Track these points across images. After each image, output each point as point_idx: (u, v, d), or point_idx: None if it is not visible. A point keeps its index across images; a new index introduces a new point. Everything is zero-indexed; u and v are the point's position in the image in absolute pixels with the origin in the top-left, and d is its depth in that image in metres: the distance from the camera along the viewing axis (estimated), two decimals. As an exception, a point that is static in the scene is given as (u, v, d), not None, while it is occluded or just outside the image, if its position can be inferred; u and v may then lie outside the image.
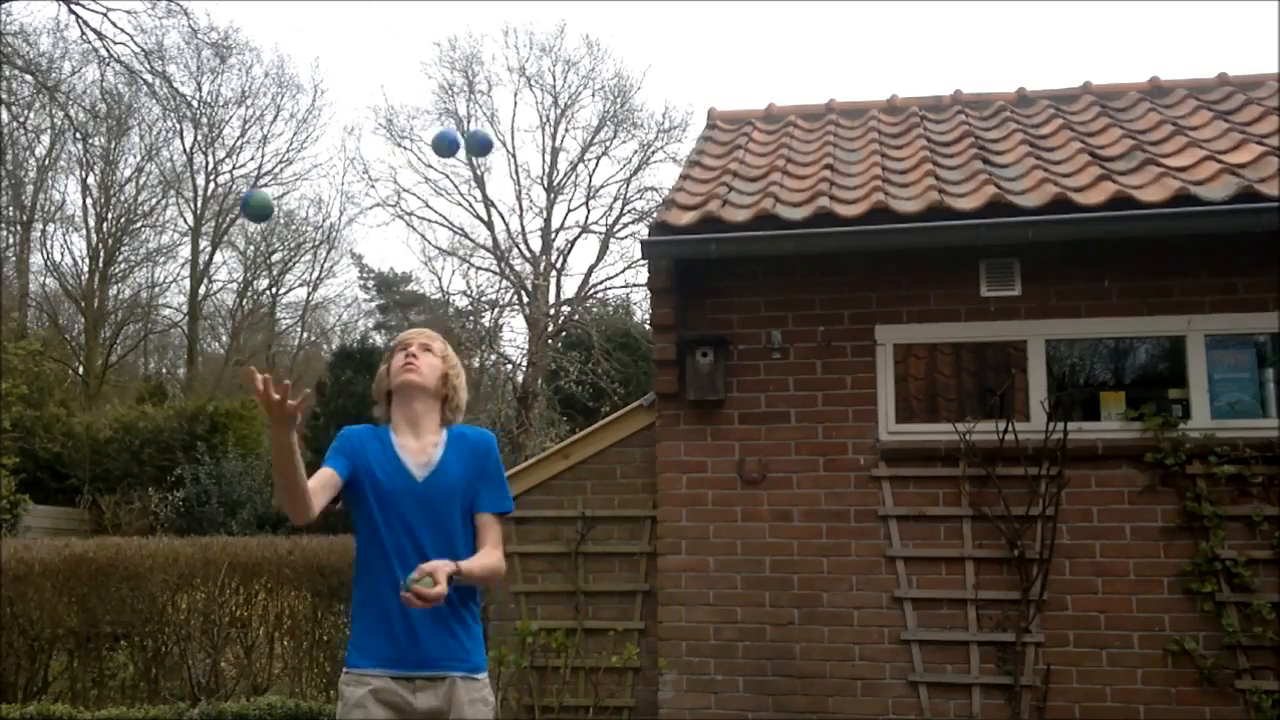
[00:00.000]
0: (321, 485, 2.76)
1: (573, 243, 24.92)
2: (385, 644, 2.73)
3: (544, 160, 25.07)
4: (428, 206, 26.64)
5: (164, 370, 29.97)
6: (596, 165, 25.45)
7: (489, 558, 2.80)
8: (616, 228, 24.27)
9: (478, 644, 2.83)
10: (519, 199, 25.13)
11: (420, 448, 2.86)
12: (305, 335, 31.39)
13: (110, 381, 25.26)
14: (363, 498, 2.82)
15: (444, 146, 2.98)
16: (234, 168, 27.85)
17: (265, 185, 27.94)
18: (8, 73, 19.66)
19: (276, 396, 2.44)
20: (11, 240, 25.77)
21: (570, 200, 24.94)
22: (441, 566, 2.59)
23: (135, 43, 18.99)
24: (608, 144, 24.83)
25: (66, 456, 17.29)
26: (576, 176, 24.98)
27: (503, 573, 2.89)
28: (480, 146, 3.00)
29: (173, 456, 16.77)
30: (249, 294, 29.24)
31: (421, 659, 2.72)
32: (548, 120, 25.08)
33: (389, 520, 2.78)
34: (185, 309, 27.46)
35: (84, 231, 26.36)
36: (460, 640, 2.77)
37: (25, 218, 25.44)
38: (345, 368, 19.38)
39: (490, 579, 2.85)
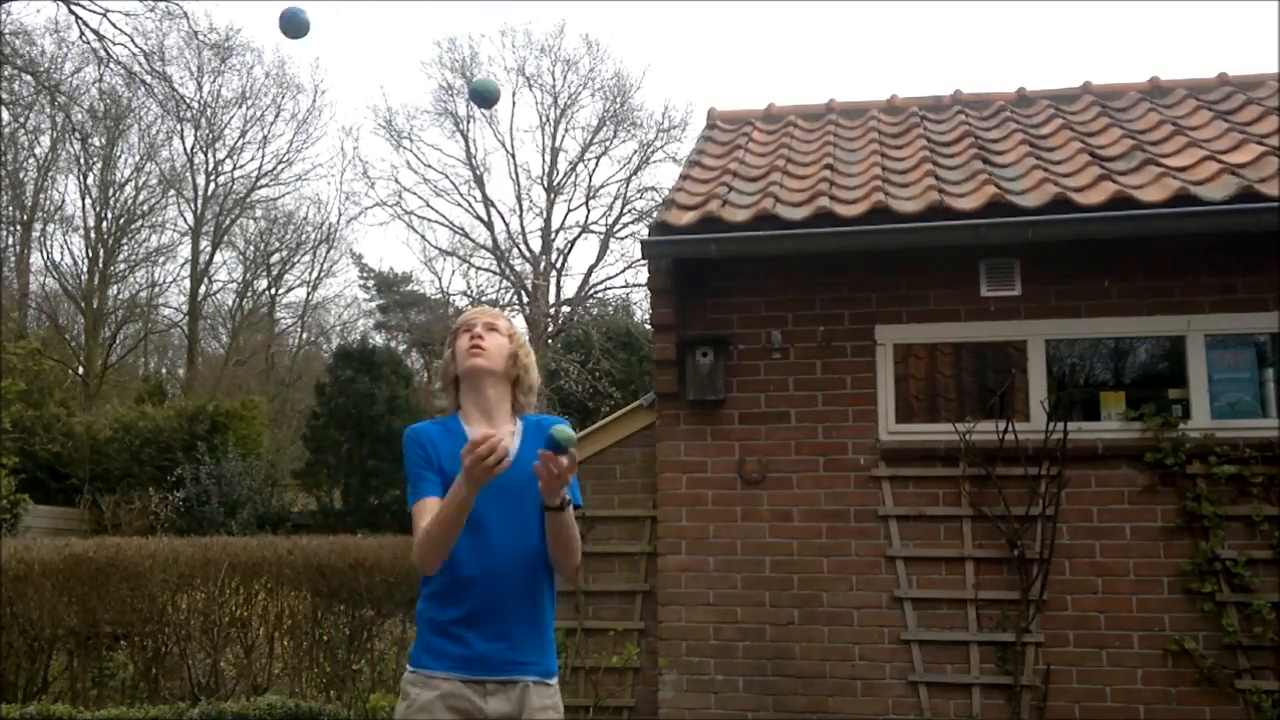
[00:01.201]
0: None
1: (573, 243, 24.99)
2: (456, 646, 2.55)
3: (544, 160, 25.14)
4: (428, 206, 26.73)
5: (164, 370, 29.98)
6: (596, 165, 25.52)
7: (578, 529, 2.64)
8: (616, 228, 24.31)
9: (551, 647, 2.66)
10: (519, 199, 25.20)
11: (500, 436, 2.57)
12: (305, 335, 31.40)
13: (110, 381, 25.27)
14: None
15: (292, 25, 2.62)
16: (234, 168, 27.89)
17: (264, 185, 27.96)
18: (8, 73, 19.66)
19: (491, 460, 2.33)
20: (11, 240, 25.77)
21: (570, 200, 25.00)
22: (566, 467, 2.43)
23: (135, 44, 18.99)
24: (608, 144, 24.89)
25: (66, 456, 17.29)
26: (576, 176, 25.04)
27: (579, 555, 2.68)
28: (482, 97, 2.72)
29: (173, 456, 16.77)
30: (249, 294, 29.25)
31: (495, 661, 2.54)
32: (547, 120, 25.13)
33: (478, 516, 2.55)
34: (185, 309, 27.47)
35: (83, 231, 26.38)
36: (534, 642, 2.59)
37: (25, 218, 25.44)
38: (345, 367, 19.38)
39: (574, 549, 2.63)
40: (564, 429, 2.38)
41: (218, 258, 28.62)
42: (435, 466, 2.62)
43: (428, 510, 2.57)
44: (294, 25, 2.62)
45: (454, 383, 2.76)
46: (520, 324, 24.42)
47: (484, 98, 2.74)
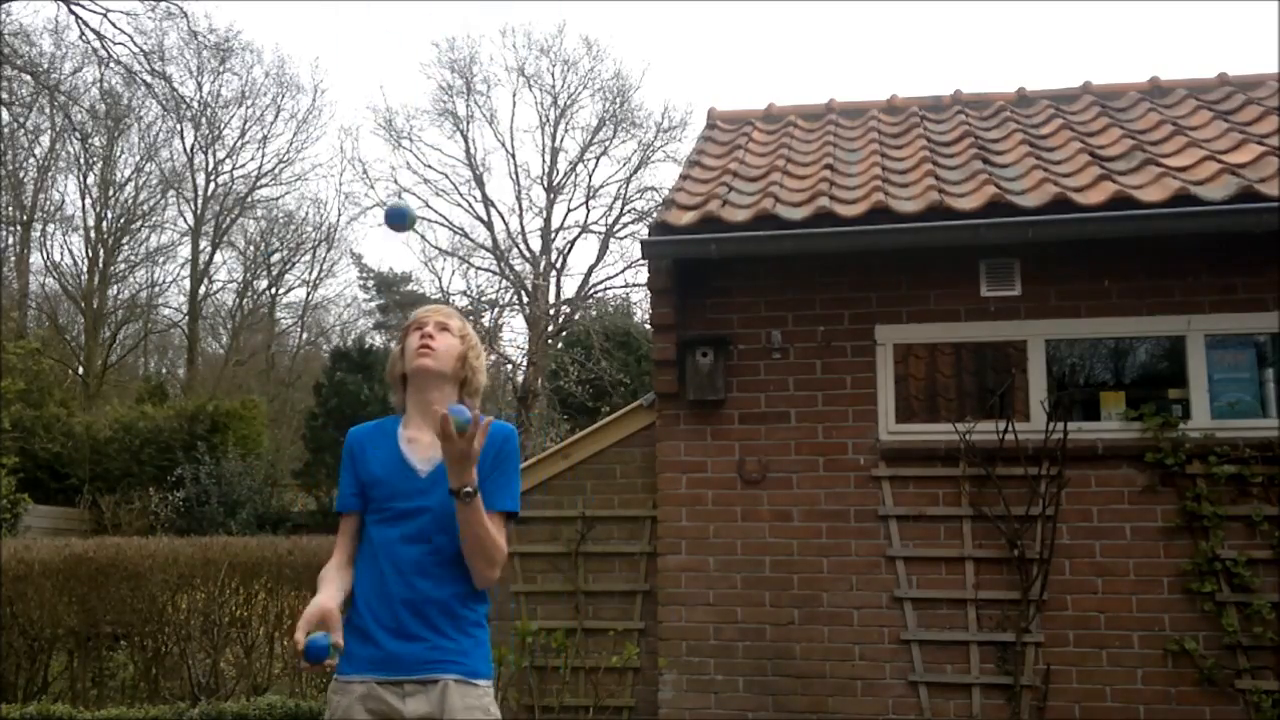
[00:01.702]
0: (355, 534, 2.65)
1: (572, 243, 24.97)
2: (371, 647, 2.49)
3: (543, 160, 25.12)
4: (427, 206, 26.68)
5: (164, 370, 29.98)
6: (596, 165, 25.52)
7: (492, 528, 2.52)
8: (616, 228, 24.30)
9: (479, 647, 2.56)
10: (519, 199, 25.19)
11: (430, 441, 2.57)
12: (305, 335, 31.41)
13: (110, 381, 25.28)
14: (367, 501, 2.63)
15: (394, 219, 2.71)
16: (234, 168, 27.90)
17: (264, 185, 27.96)
18: (8, 73, 19.66)
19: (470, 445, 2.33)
20: (11, 240, 25.79)
21: (570, 200, 24.99)
22: (478, 422, 2.35)
23: (135, 44, 19.01)
24: (607, 144, 24.87)
25: (66, 456, 17.29)
26: (576, 176, 25.03)
27: (497, 562, 2.53)
28: (396, 219, 2.70)
29: (173, 456, 16.78)
30: (249, 294, 29.27)
31: (411, 661, 2.47)
32: (547, 120, 25.12)
33: (384, 518, 2.56)
34: (185, 309, 27.48)
35: (83, 231, 26.39)
36: (456, 641, 2.51)
37: (25, 218, 25.45)
38: (338, 368, 19.39)
39: (486, 549, 2.49)
40: (460, 411, 2.33)
41: (218, 258, 28.68)
42: (354, 476, 2.64)
43: (342, 525, 2.63)
44: (398, 219, 2.69)
45: (402, 380, 2.70)
46: (520, 324, 24.44)
47: (398, 221, 2.71)
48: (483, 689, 2.53)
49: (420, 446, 2.60)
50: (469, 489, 2.38)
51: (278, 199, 29.03)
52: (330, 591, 2.52)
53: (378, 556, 2.55)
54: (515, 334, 24.65)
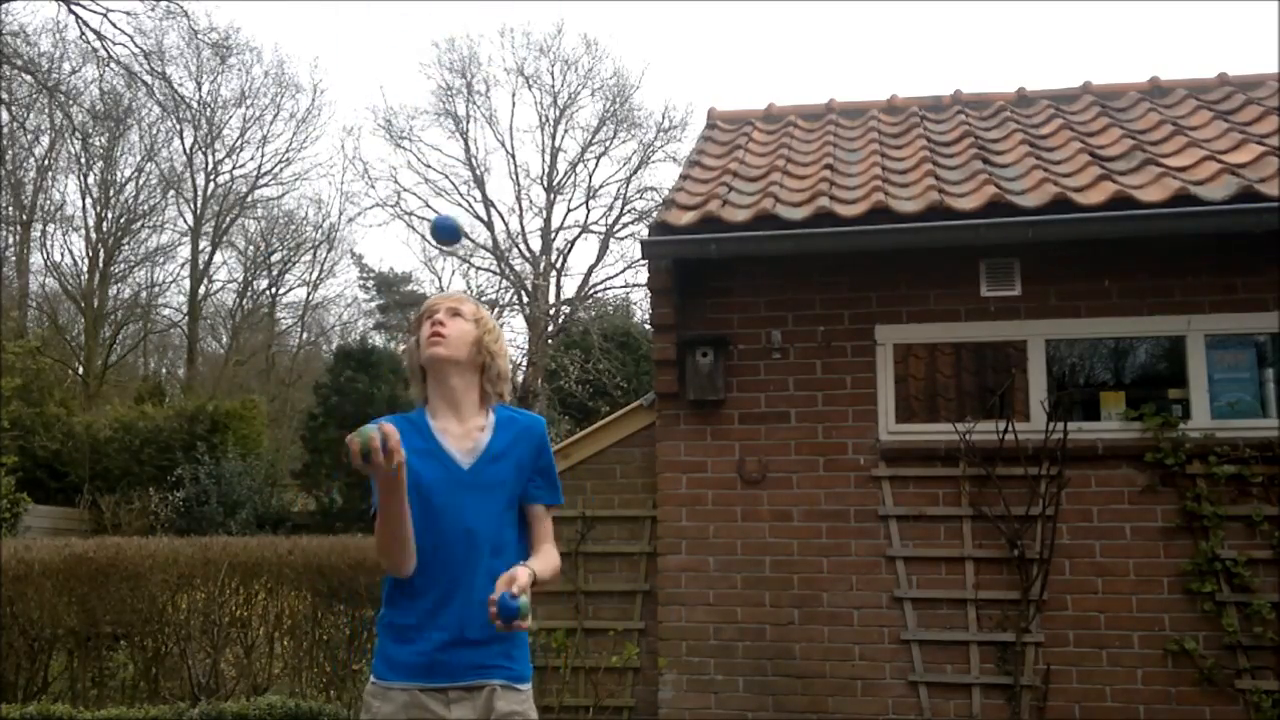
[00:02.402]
0: None
1: (572, 243, 24.97)
2: (415, 650, 2.42)
3: (543, 160, 25.12)
4: (428, 206, 26.71)
5: (164, 370, 29.99)
6: (596, 165, 25.51)
7: (553, 557, 2.51)
8: (616, 228, 24.29)
9: (522, 650, 2.51)
10: (518, 199, 25.18)
11: (465, 432, 2.51)
12: (305, 335, 31.42)
13: (110, 381, 25.28)
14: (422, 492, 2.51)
15: (444, 233, 2.72)
16: (234, 168, 27.91)
17: (264, 185, 27.96)
18: (8, 73, 19.66)
19: (392, 457, 2.19)
20: (11, 240, 25.79)
21: (570, 200, 24.99)
22: (523, 577, 2.28)
23: (135, 43, 19.03)
24: (607, 144, 24.87)
25: (66, 456, 17.30)
26: (576, 176, 25.02)
27: (558, 565, 2.54)
28: (446, 234, 2.70)
29: (172, 456, 16.78)
30: (249, 294, 29.27)
31: (458, 666, 2.41)
32: (547, 120, 25.11)
33: (429, 515, 2.43)
34: (185, 309, 27.48)
35: (84, 231, 26.40)
36: (503, 644, 2.44)
37: (25, 218, 25.45)
38: (344, 368, 19.39)
39: (553, 582, 2.51)
40: (525, 604, 2.27)
41: (218, 258, 28.71)
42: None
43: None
44: (446, 233, 2.70)
45: (421, 371, 2.61)
46: (520, 324, 24.44)
47: (445, 235, 2.71)
48: (525, 693, 2.48)
49: (454, 437, 2.52)
50: (394, 470, 2.24)
51: (278, 199, 29.06)
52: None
53: (428, 557, 2.44)
54: (515, 334, 24.64)
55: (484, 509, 2.47)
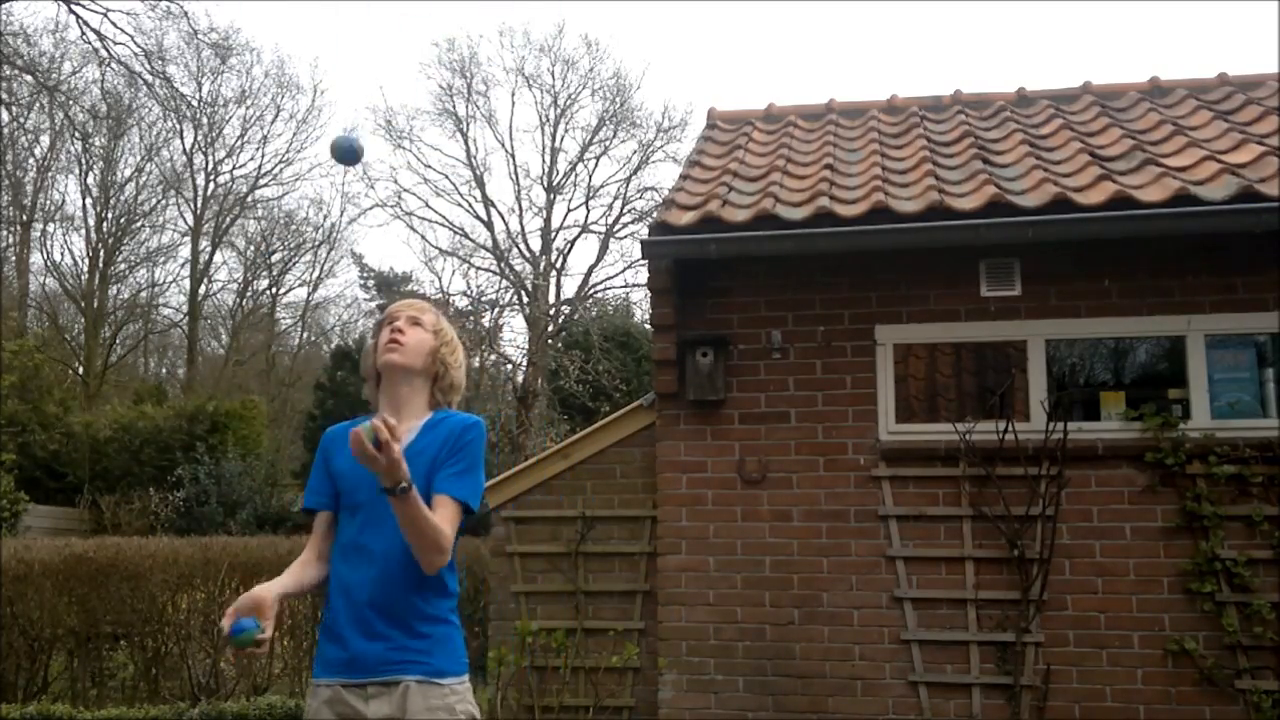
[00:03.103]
0: (326, 533, 2.62)
1: (572, 243, 24.95)
2: (339, 648, 2.47)
3: (543, 160, 25.09)
4: (427, 206, 26.72)
5: (164, 370, 30.00)
6: (596, 165, 25.48)
7: (436, 518, 2.41)
8: (616, 228, 24.28)
9: (446, 646, 2.50)
10: (519, 199, 25.15)
11: (399, 433, 2.47)
12: (305, 335, 31.41)
13: (110, 381, 25.28)
14: (339, 497, 2.59)
15: (343, 152, 2.66)
16: (234, 168, 27.91)
17: (264, 185, 27.97)
18: (8, 73, 19.67)
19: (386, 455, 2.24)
20: (11, 240, 25.79)
21: (570, 200, 24.97)
22: (389, 430, 2.23)
23: (135, 43, 19.01)
24: (607, 144, 24.85)
25: (65, 456, 17.30)
26: (576, 176, 25.00)
27: (440, 550, 2.42)
28: (344, 153, 2.66)
29: (172, 457, 16.78)
30: (249, 294, 29.26)
31: (371, 663, 2.43)
32: (547, 120, 25.10)
33: (350, 512, 2.52)
34: (185, 309, 27.48)
35: (84, 231, 26.41)
36: (419, 640, 2.45)
37: (25, 218, 25.46)
38: (342, 368, 19.37)
39: (425, 537, 2.38)
40: (249, 634, 2.35)
41: (218, 258, 28.68)
42: (325, 473, 2.61)
43: (314, 524, 2.61)
44: (345, 152, 2.67)
45: (376, 375, 2.66)
46: (519, 324, 24.43)
47: (345, 155, 2.67)
48: (448, 688, 2.46)
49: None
50: (403, 484, 2.28)
51: (278, 199, 29.09)
52: (278, 580, 2.52)
53: (345, 553, 2.51)
54: (515, 334, 24.63)
55: (380, 490, 2.41)
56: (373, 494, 2.41)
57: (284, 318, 30.74)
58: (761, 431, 6.11)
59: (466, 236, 25.02)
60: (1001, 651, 5.70)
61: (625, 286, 24.66)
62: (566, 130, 25.11)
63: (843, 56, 38.59)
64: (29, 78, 20.47)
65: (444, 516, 2.44)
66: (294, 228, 28.94)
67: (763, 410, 6.12)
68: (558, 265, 24.79)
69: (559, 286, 25.02)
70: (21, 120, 23.10)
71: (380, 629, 2.44)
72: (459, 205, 24.91)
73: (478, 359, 24.51)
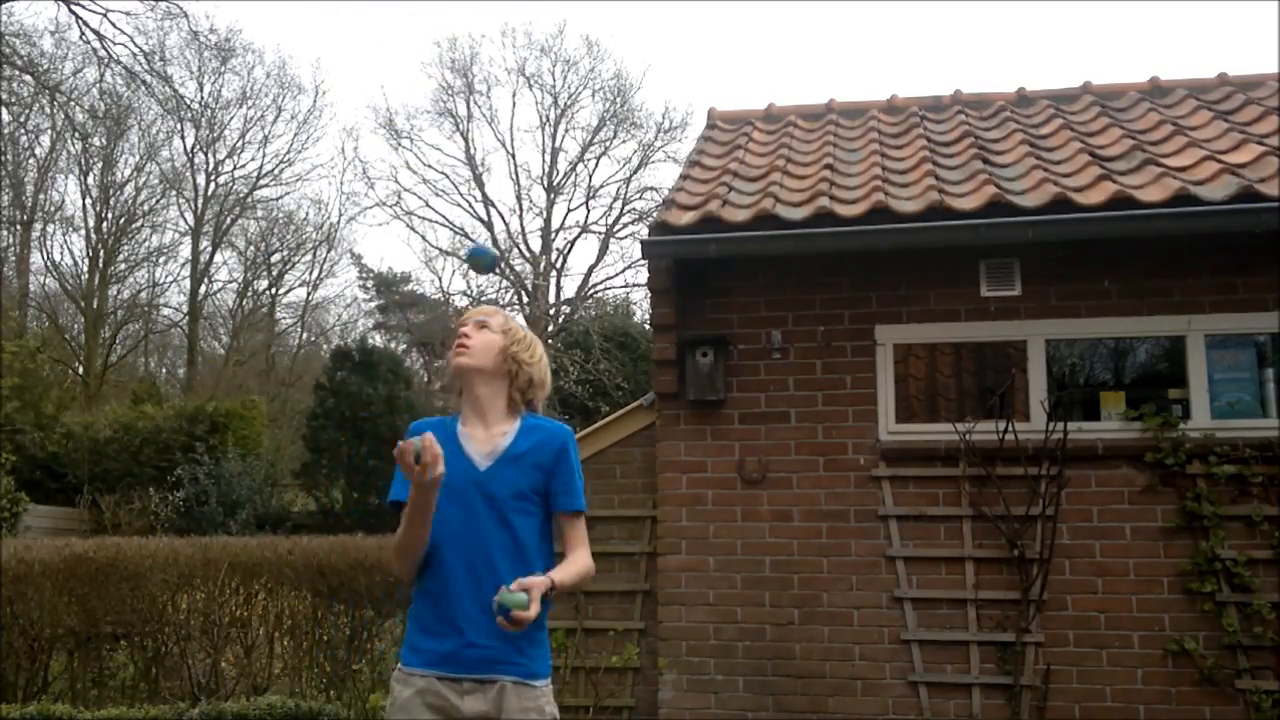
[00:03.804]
0: None
1: (573, 243, 25.02)
2: (435, 641, 2.56)
3: (544, 160, 25.15)
4: (427, 206, 26.81)
5: (164, 370, 30.00)
6: (596, 165, 25.54)
7: (579, 563, 2.60)
8: (616, 228, 24.33)
9: (539, 648, 2.60)
10: (519, 199, 25.22)
11: (488, 436, 2.67)
12: (305, 335, 31.40)
13: (110, 381, 25.28)
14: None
15: (482, 262, 2.84)
16: (235, 168, 27.91)
17: (265, 186, 27.95)
18: (8, 73, 19.66)
19: (427, 469, 2.39)
20: (11, 240, 25.78)
21: (570, 200, 25.02)
22: (537, 584, 2.39)
23: (135, 44, 19.06)
24: (608, 144, 24.91)
25: (64, 456, 17.29)
26: (576, 176, 25.05)
27: (589, 568, 2.62)
28: (484, 263, 2.84)
29: (172, 457, 16.78)
30: (249, 294, 29.26)
31: (471, 660, 2.53)
32: (547, 120, 25.15)
33: (450, 513, 2.57)
34: (185, 309, 27.48)
35: (84, 231, 26.41)
36: (516, 643, 2.53)
37: (25, 218, 25.45)
38: (341, 368, 19.35)
39: (582, 585, 2.65)
40: (512, 596, 2.35)
41: (218, 258, 28.69)
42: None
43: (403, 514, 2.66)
44: (482, 261, 2.82)
45: (459, 386, 2.78)
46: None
47: (482, 264, 2.82)
48: (539, 690, 2.57)
49: (477, 440, 2.66)
50: (553, 589, 2.45)
51: (278, 199, 29.07)
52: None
53: (446, 553, 2.58)
54: (515, 334, 24.56)
55: (497, 510, 2.59)
56: (478, 497, 2.59)
57: (284, 318, 30.75)
58: (761, 431, 6.11)
59: (466, 236, 25.05)
60: (1001, 651, 5.70)
61: (625, 286, 24.72)
62: (567, 130, 25.17)
63: (843, 56, 38.61)
64: (29, 78, 20.48)
65: (580, 534, 2.66)
66: (294, 228, 28.97)
67: (763, 410, 6.12)
68: (558, 265, 24.83)
69: (559, 286, 25.07)
70: (22, 120, 23.11)
71: (484, 628, 2.50)
72: (459, 205, 24.99)
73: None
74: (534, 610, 2.35)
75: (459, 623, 2.54)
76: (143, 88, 20.79)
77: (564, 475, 2.68)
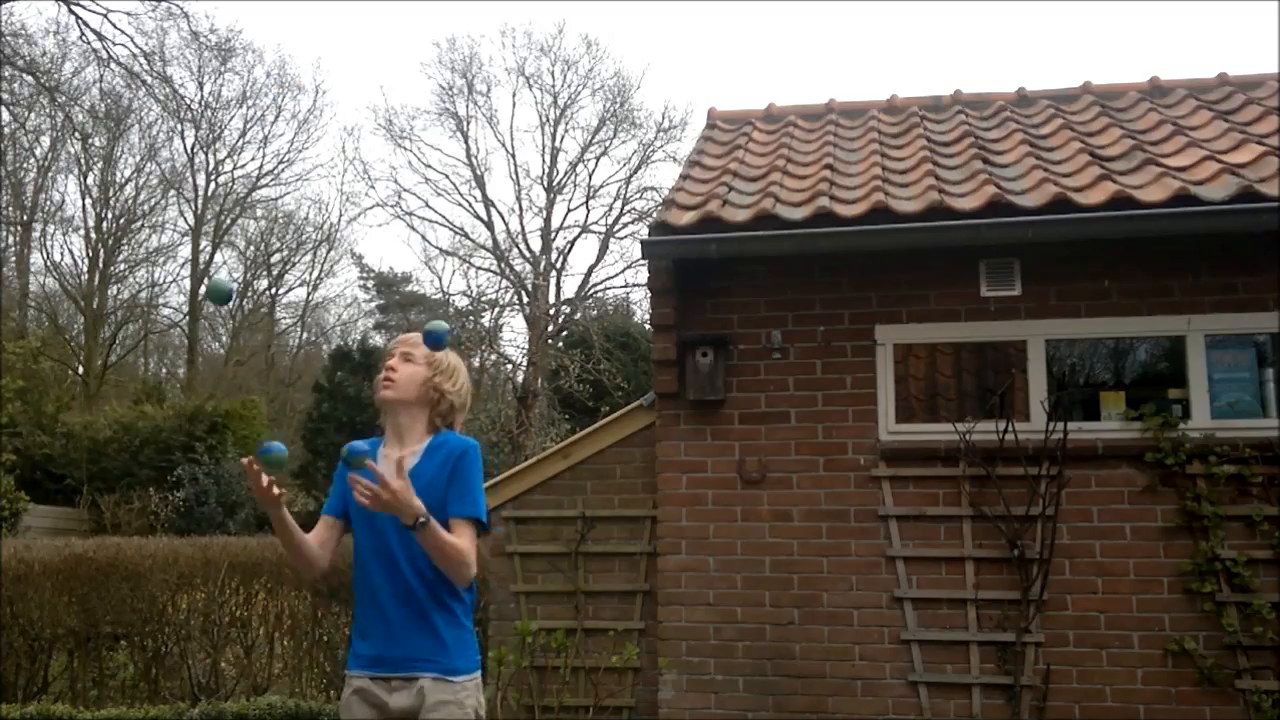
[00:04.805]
0: (325, 536, 2.93)
1: (573, 243, 24.97)
2: (366, 645, 2.82)
3: (544, 160, 25.11)
4: (428, 206, 26.81)
5: (164, 370, 30.00)
6: (596, 165, 25.54)
7: (457, 541, 2.72)
8: (616, 228, 24.30)
9: (461, 645, 2.80)
10: (519, 199, 25.21)
11: (399, 457, 2.77)
12: (305, 335, 31.42)
13: (110, 381, 25.27)
14: (353, 511, 2.90)
15: (219, 294, 2.76)
16: (235, 168, 27.91)
17: (265, 186, 27.94)
18: (8, 73, 19.66)
19: (265, 486, 2.63)
20: (11, 240, 25.81)
21: (570, 200, 24.99)
22: (404, 485, 2.57)
23: (135, 44, 19.08)
24: (607, 144, 24.88)
25: (64, 456, 17.29)
26: (576, 176, 25.02)
27: (466, 565, 2.74)
28: (219, 295, 2.77)
29: (172, 457, 16.78)
30: (249, 294, 29.25)
31: (395, 660, 2.77)
32: (547, 120, 25.12)
33: (366, 528, 2.84)
34: (185, 309, 27.48)
35: (83, 231, 26.41)
36: (437, 640, 2.76)
37: (25, 218, 25.46)
38: (342, 368, 19.35)
39: (450, 559, 2.70)
40: (348, 446, 2.56)
41: (218, 258, 28.69)
42: (342, 486, 2.90)
43: (321, 522, 2.96)
44: (217, 294, 2.76)
45: None
46: (520, 324, 24.41)
47: (218, 297, 2.76)
48: (458, 684, 2.77)
49: (390, 462, 2.80)
50: (421, 519, 2.59)
51: (278, 199, 29.08)
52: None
53: (366, 562, 2.84)
54: (515, 334, 24.68)
55: (399, 526, 2.69)
56: (370, 513, 2.73)
57: (284, 318, 30.77)
58: (761, 431, 6.11)
59: (466, 236, 25.05)
60: (1001, 651, 5.70)
61: (625, 286, 24.71)
62: (566, 130, 25.14)
63: (843, 56, 38.60)
64: (29, 78, 20.47)
65: (463, 535, 2.76)
66: (294, 228, 28.98)
67: (763, 410, 6.12)
68: (558, 265, 24.81)
69: (559, 286, 25.04)
70: (21, 120, 23.09)
71: (401, 631, 2.77)
72: (459, 205, 24.97)
73: (478, 359, 24.52)
74: (396, 486, 2.53)
75: (384, 626, 2.78)
76: (143, 88, 20.80)
77: (458, 483, 2.80)
